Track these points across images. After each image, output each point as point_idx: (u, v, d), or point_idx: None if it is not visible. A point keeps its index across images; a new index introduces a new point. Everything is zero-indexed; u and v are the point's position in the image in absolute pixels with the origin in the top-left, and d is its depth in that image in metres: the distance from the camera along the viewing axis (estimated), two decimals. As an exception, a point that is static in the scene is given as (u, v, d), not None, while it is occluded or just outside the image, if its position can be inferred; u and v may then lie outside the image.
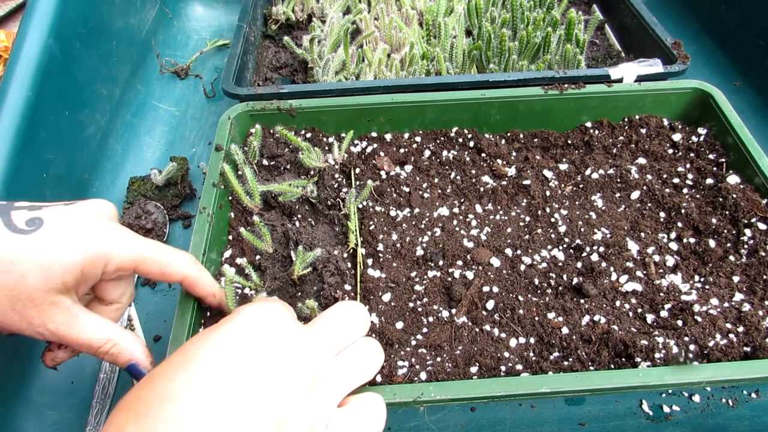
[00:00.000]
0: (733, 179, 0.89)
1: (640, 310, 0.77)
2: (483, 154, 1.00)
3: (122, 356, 0.60)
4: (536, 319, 0.77)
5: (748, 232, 0.83)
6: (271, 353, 0.50)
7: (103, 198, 1.04)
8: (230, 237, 0.88)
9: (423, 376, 0.69)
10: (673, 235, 0.87)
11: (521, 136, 1.02)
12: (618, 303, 0.78)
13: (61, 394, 0.83)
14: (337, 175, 0.93)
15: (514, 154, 1.01)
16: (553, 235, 0.88)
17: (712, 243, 0.84)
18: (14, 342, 0.84)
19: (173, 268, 0.63)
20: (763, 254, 0.80)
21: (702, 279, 0.81)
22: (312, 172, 0.94)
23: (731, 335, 0.71)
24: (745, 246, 0.82)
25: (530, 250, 0.86)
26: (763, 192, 0.86)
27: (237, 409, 0.45)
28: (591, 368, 0.70)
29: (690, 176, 0.93)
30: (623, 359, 0.71)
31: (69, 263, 0.54)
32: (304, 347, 0.53)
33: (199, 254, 0.78)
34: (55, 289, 0.54)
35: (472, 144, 1.01)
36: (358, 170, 0.96)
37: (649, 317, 0.76)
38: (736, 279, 0.79)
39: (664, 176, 0.94)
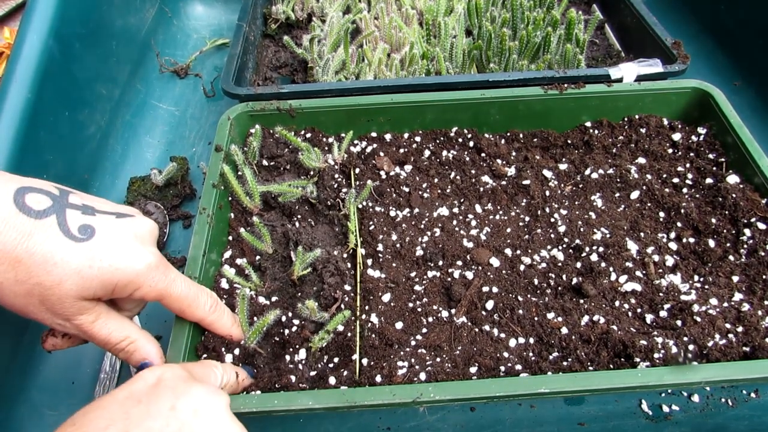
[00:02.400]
0: (732, 179, 0.89)
1: (639, 310, 0.77)
2: (483, 154, 0.99)
3: (137, 354, 0.63)
4: (536, 319, 0.77)
5: (747, 231, 0.83)
6: None
7: (103, 198, 1.06)
8: (230, 237, 0.88)
9: (422, 376, 0.69)
10: (672, 234, 0.87)
11: (521, 136, 1.02)
12: (617, 303, 0.78)
13: (61, 394, 0.84)
14: (336, 176, 0.93)
15: (513, 154, 1.01)
16: (552, 235, 0.88)
17: (711, 243, 0.84)
18: (14, 342, 0.84)
19: (192, 311, 0.66)
20: (763, 254, 0.80)
21: (701, 279, 0.81)
22: (312, 173, 0.94)
23: (730, 335, 0.71)
24: (745, 246, 0.82)
25: (530, 250, 0.86)
26: (762, 192, 0.86)
27: None
28: (590, 368, 0.70)
29: (690, 176, 0.93)
30: (622, 359, 0.71)
31: (106, 282, 0.57)
32: None
33: (199, 255, 0.78)
34: (85, 298, 0.57)
35: (471, 144, 1.01)
36: (357, 170, 0.96)
37: (649, 317, 0.76)
38: (735, 279, 0.79)
39: (664, 176, 0.94)
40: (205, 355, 0.71)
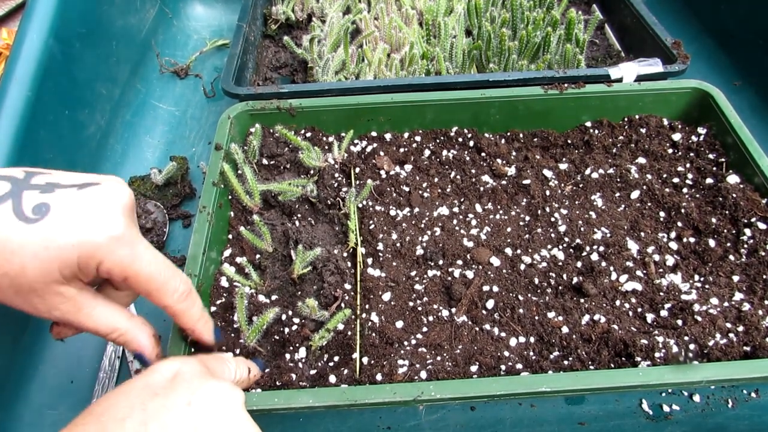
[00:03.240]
0: (732, 179, 0.89)
1: (640, 310, 0.77)
2: (483, 154, 0.99)
3: (129, 346, 0.60)
4: (536, 318, 0.77)
5: (747, 231, 0.83)
6: None
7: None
8: (230, 236, 0.88)
9: (423, 375, 0.69)
10: (672, 234, 0.87)
11: (521, 135, 1.02)
12: (618, 302, 0.78)
13: (61, 394, 0.83)
14: (336, 175, 0.93)
15: (513, 153, 1.01)
16: (553, 235, 0.88)
17: (711, 243, 0.84)
18: (13, 342, 0.84)
19: (160, 295, 0.59)
20: (763, 254, 0.80)
21: (702, 278, 0.81)
22: (312, 172, 0.94)
23: (731, 335, 0.71)
24: (745, 246, 0.82)
25: (530, 250, 0.86)
26: (762, 192, 0.86)
27: None
28: (591, 367, 0.70)
29: (690, 176, 0.93)
30: (623, 358, 0.71)
31: (66, 260, 0.52)
32: None
33: (199, 253, 0.78)
34: (55, 281, 0.53)
35: (471, 143, 1.01)
36: (357, 170, 0.96)
37: (649, 317, 0.76)
38: (735, 278, 0.79)
39: (664, 176, 0.94)
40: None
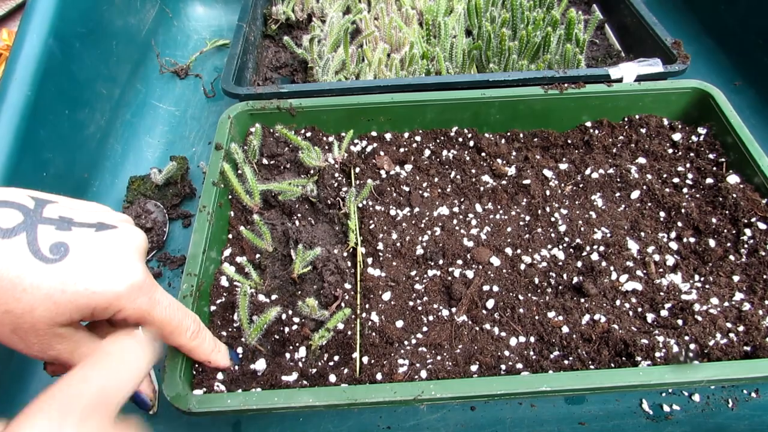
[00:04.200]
0: (732, 179, 0.89)
1: (640, 310, 0.77)
2: (483, 154, 0.99)
3: None
4: (536, 318, 0.77)
5: (748, 231, 0.83)
6: None
7: (103, 197, 1.06)
8: (230, 236, 0.88)
9: (423, 374, 0.69)
10: (673, 234, 0.87)
11: (521, 135, 1.02)
12: (618, 302, 0.78)
13: (60, 394, 0.83)
14: (337, 174, 0.93)
15: (514, 153, 1.01)
16: (553, 235, 0.88)
17: (712, 242, 0.84)
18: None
19: (174, 337, 0.60)
20: (763, 254, 0.80)
21: (702, 278, 0.81)
22: (312, 171, 0.94)
23: (731, 334, 0.71)
24: (745, 245, 0.82)
25: (530, 250, 0.86)
26: (762, 192, 0.86)
27: None
28: (591, 367, 0.70)
29: (690, 176, 0.93)
30: (623, 358, 0.71)
31: (82, 306, 0.51)
32: None
33: (199, 252, 0.78)
34: (60, 324, 0.51)
35: (472, 143, 1.01)
36: (358, 169, 0.96)
37: (650, 316, 0.76)
38: (736, 278, 0.79)
39: (664, 176, 0.94)
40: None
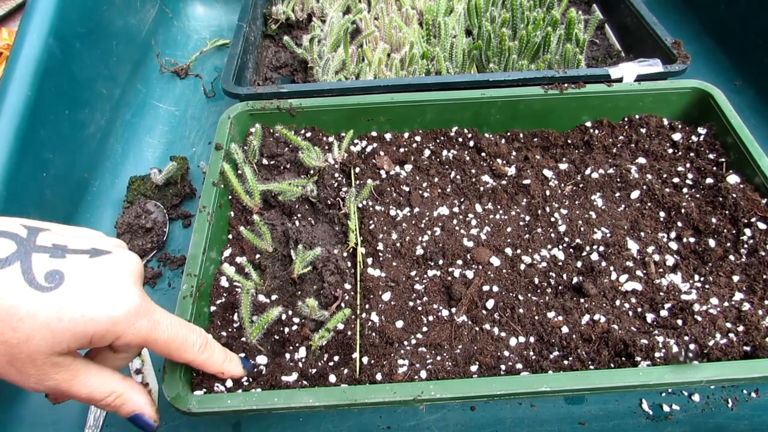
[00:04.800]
0: (732, 179, 0.89)
1: (640, 310, 0.77)
2: (483, 154, 0.99)
3: (126, 407, 0.58)
4: (536, 318, 0.77)
5: (747, 231, 0.83)
6: None
7: (103, 197, 1.06)
8: (230, 236, 0.88)
9: (423, 374, 0.69)
10: (673, 234, 0.87)
11: (521, 135, 1.02)
12: (618, 302, 0.78)
13: (60, 394, 0.83)
14: (336, 175, 0.93)
15: (514, 153, 1.01)
16: (553, 235, 0.88)
17: (711, 242, 0.84)
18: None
19: (180, 354, 0.60)
20: (763, 254, 0.80)
21: (702, 278, 0.81)
22: (312, 172, 0.94)
23: (731, 334, 0.71)
24: (745, 245, 0.82)
25: (530, 250, 0.86)
26: (762, 192, 0.86)
27: None
28: (591, 367, 0.70)
29: (690, 176, 0.93)
30: (623, 358, 0.71)
31: (80, 334, 0.50)
32: None
33: (199, 253, 0.78)
34: (58, 353, 0.50)
35: (472, 143, 1.01)
36: (357, 169, 0.96)
37: (649, 316, 0.76)
38: (735, 278, 0.79)
39: (664, 176, 0.94)
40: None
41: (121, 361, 0.62)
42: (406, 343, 0.75)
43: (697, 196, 0.91)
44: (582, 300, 0.78)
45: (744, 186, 0.88)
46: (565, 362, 0.71)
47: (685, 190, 0.92)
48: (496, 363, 0.72)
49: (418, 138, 1.01)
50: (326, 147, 0.98)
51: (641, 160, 0.97)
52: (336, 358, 0.74)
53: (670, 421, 0.78)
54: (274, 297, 0.80)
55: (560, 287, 0.81)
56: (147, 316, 0.55)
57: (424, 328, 0.77)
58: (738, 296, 0.77)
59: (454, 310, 0.79)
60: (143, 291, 0.56)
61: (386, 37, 1.23)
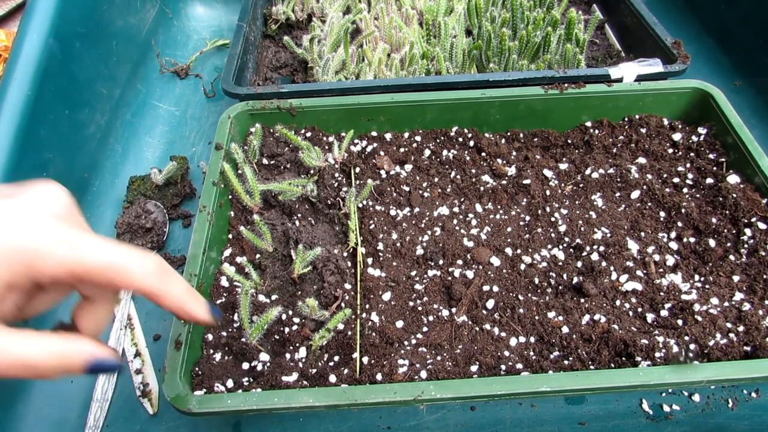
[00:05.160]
0: (733, 179, 0.89)
1: (640, 310, 0.77)
2: (483, 154, 0.99)
3: (75, 361, 0.48)
4: (536, 318, 0.77)
5: (748, 231, 0.83)
6: None
7: (103, 197, 1.06)
8: (230, 236, 0.88)
9: (423, 374, 0.69)
10: (673, 234, 0.87)
11: (521, 135, 1.02)
12: (618, 302, 0.78)
13: (60, 394, 0.83)
14: (337, 174, 0.93)
15: (514, 153, 1.01)
16: (553, 235, 0.88)
17: (712, 242, 0.84)
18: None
19: (126, 282, 0.48)
20: (763, 254, 0.80)
21: (702, 278, 0.81)
22: (312, 171, 0.94)
23: (731, 335, 0.71)
24: (745, 245, 0.82)
25: (530, 250, 0.86)
26: (763, 192, 0.86)
27: None
28: (591, 367, 0.70)
29: (690, 176, 0.93)
30: (623, 358, 0.71)
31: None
32: None
33: (199, 253, 0.78)
34: None
35: (472, 143, 1.01)
36: (358, 169, 0.96)
37: (650, 316, 0.76)
38: (736, 278, 0.79)
39: (664, 176, 0.94)
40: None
41: (52, 300, 0.53)
42: (406, 343, 0.75)
43: (698, 196, 0.91)
44: (582, 300, 0.78)
45: (744, 186, 0.88)
46: (566, 362, 0.71)
47: (685, 190, 0.92)
48: (497, 363, 0.72)
49: (418, 138, 1.01)
50: (326, 147, 0.98)
51: (641, 160, 0.97)
52: (336, 358, 0.74)
53: (671, 421, 0.78)
54: (274, 297, 0.80)
55: (560, 287, 0.81)
56: (68, 244, 0.47)
57: (425, 328, 0.77)
58: (738, 296, 0.77)
59: (454, 310, 0.79)
60: (71, 223, 0.50)
61: (386, 37, 1.23)
